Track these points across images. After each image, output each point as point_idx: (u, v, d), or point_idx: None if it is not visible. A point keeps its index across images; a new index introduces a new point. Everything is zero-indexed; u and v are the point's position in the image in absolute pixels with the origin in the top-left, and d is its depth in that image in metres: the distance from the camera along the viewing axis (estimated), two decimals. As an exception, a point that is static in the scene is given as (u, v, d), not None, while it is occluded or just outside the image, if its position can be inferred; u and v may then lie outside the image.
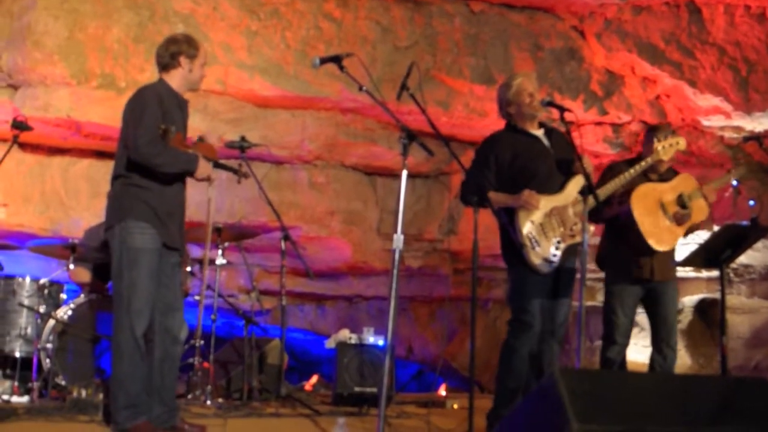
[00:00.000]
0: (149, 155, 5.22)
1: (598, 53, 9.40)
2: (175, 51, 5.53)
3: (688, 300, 12.30)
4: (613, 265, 6.66)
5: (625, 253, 6.44)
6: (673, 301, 6.64)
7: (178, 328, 5.55)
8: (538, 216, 5.84)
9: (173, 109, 5.48)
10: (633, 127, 9.88)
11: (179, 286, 5.67)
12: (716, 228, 8.75)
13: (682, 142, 6.36)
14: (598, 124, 9.76)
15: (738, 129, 9.54)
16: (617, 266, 6.55)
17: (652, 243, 6.31)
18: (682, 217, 6.43)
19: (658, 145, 6.29)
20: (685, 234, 6.59)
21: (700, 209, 6.48)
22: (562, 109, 5.61)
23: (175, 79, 5.55)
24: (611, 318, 6.55)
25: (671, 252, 6.59)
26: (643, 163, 6.30)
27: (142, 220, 5.31)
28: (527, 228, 5.82)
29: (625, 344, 6.63)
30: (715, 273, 10.49)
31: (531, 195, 5.81)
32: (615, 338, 6.55)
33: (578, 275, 5.80)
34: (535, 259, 5.80)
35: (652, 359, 6.62)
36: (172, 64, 5.53)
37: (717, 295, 9.70)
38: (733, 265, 11.07)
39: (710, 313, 12.10)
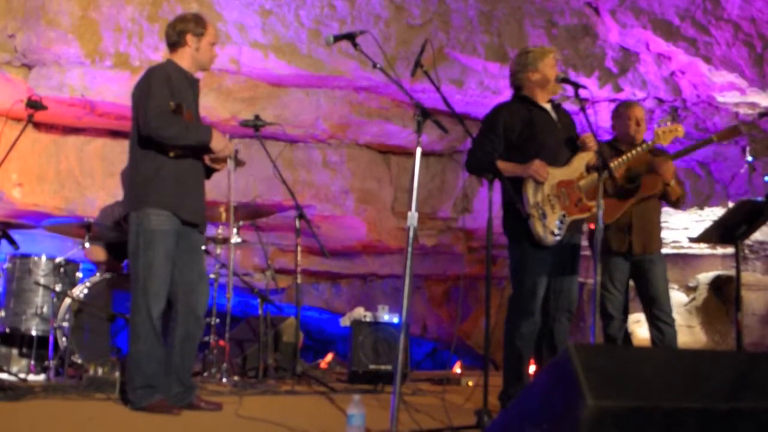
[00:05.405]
0: (161, 128, 5.21)
1: (612, 30, 9.34)
2: (181, 29, 5.52)
3: (703, 277, 12.29)
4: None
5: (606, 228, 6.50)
6: (658, 277, 6.66)
7: (202, 308, 5.57)
8: (546, 187, 5.82)
9: (183, 88, 5.46)
10: (648, 104, 9.82)
11: (203, 266, 5.68)
12: (731, 204, 8.72)
13: (680, 129, 6.44)
14: (613, 101, 9.70)
15: (753, 105, 9.46)
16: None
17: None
18: (627, 192, 6.57)
19: (659, 130, 6.39)
20: (673, 203, 6.81)
21: (651, 182, 6.58)
22: (576, 86, 5.60)
23: (183, 58, 5.54)
24: (602, 293, 6.62)
25: (653, 225, 6.74)
26: (644, 145, 6.39)
27: (158, 206, 5.31)
28: (535, 198, 5.80)
29: (623, 319, 6.73)
30: (730, 250, 10.53)
31: (541, 165, 5.79)
32: (610, 313, 6.65)
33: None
34: (541, 230, 5.75)
35: (652, 336, 6.69)
36: (180, 42, 5.52)
37: (732, 272, 9.65)
38: (748, 242, 11.05)
39: (725, 290, 12.10)
